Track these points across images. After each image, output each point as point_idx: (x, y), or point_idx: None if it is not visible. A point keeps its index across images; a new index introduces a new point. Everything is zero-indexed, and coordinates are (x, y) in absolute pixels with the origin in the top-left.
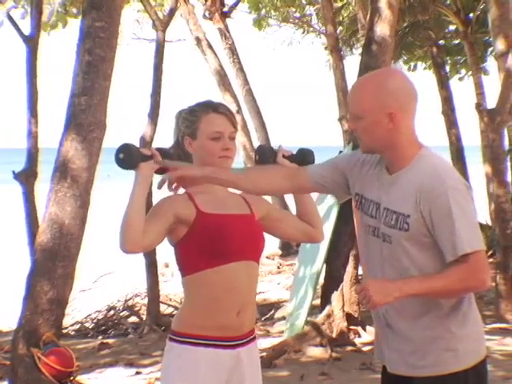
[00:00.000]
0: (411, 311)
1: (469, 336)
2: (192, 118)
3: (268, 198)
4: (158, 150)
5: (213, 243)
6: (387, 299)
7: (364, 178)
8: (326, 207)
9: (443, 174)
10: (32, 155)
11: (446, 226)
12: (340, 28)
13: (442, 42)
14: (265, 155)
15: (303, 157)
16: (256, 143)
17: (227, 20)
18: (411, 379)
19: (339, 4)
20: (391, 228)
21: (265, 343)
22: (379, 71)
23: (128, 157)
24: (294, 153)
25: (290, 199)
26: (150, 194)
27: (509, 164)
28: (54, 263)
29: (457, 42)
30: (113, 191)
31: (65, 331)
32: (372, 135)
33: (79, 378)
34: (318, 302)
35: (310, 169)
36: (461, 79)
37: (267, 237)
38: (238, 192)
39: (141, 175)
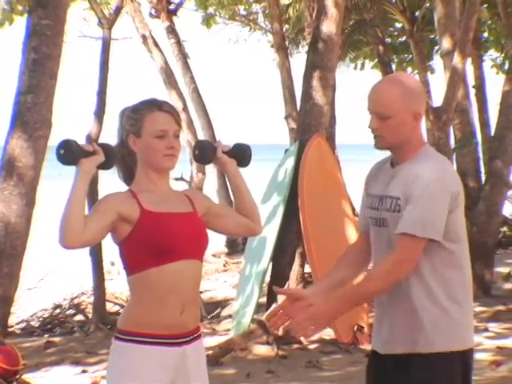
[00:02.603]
0: (413, 301)
1: (467, 321)
2: (136, 116)
3: (214, 195)
4: (101, 145)
5: (157, 242)
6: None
7: (376, 180)
8: (272, 205)
9: (433, 168)
10: None
11: (412, 206)
12: (286, 26)
13: (388, 40)
14: (205, 151)
15: (240, 151)
16: None
17: (174, 18)
18: (409, 357)
19: (286, 2)
20: (387, 211)
21: (211, 341)
22: (400, 74)
23: (68, 152)
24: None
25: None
26: (95, 192)
27: (455, 162)
28: None
29: (403, 40)
30: (64, 190)
31: (10, 330)
32: (397, 133)
33: (25, 376)
34: (264, 300)
35: (360, 223)
36: None
37: (214, 235)
38: (181, 190)
39: (81, 170)
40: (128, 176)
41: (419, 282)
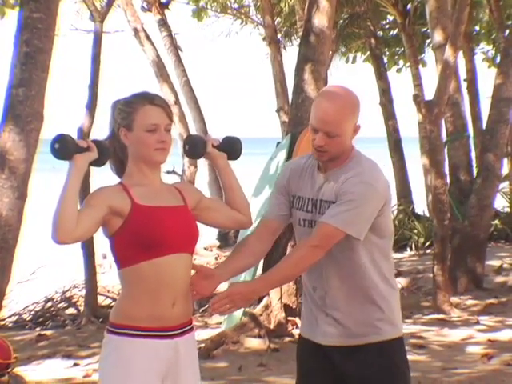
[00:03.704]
0: (345, 302)
1: (396, 314)
2: (128, 109)
3: (205, 189)
4: (95, 141)
5: (148, 236)
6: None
7: (300, 181)
8: (264, 199)
9: (367, 174)
10: None
11: (340, 203)
12: (278, 19)
13: (380, 33)
14: (195, 146)
15: (230, 145)
16: None
17: (166, 11)
18: (359, 347)
19: None
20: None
21: (203, 334)
22: (341, 89)
23: (63, 147)
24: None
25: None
26: (88, 186)
27: (446, 155)
28: None
29: (395, 33)
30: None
31: (2, 323)
32: (341, 147)
33: (17, 369)
34: None
35: (268, 213)
36: (399, 71)
37: (205, 228)
38: (172, 183)
39: (75, 166)
40: (120, 169)
41: (366, 273)
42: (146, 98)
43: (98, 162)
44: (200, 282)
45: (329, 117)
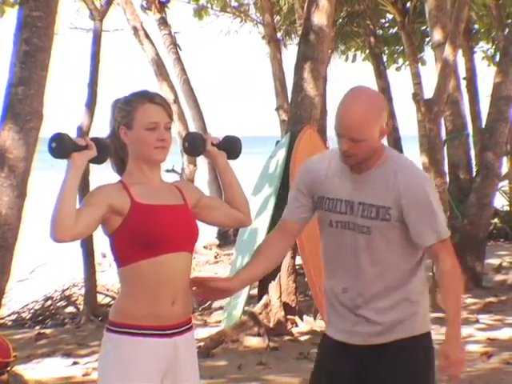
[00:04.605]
0: (381, 302)
1: (427, 308)
2: (128, 108)
3: (205, 187)
4: (94, 139)
5: (147, 234)
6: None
7: (328, 182)
8: (264, 197)
9: (414, 170)
10: None
11: (427, 214)
12: (277, 18)
13: (379, 31)
14: (195, 143)
15: (230, 144)
16: None
17: (166, 10)
18: (385, 346)
19: None
20: (372, 219)
21: (202, 333)
22: (367, 91)
23: (60, 146)
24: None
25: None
26: (87, 184)
27: (446, 154)
28: None
29: (394, 31)
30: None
31: (2, 321)
32: (368, 151)
33: (16, 368)
34: (255, 291)
35: (289, 215)
36: (398, 69)
37: (205, 227)
38: (172, 181)
39: (73, 164)
40: (120, 167)
41: (408, 273)
42: (145, 97)
43: (97, 160)
44: (213, 293)
45: (352, 123)
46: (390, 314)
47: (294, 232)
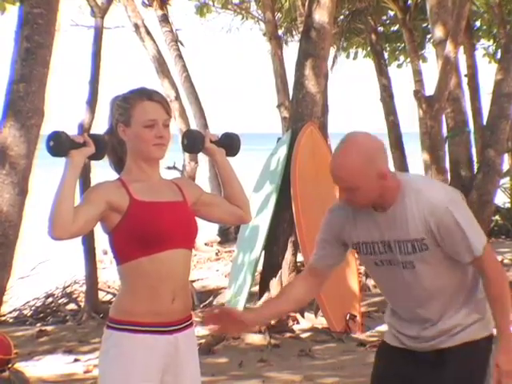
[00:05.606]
0: (442, 311)
1: (489, 313)
2: (126, 105)
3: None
4: (91, 136)
5: (147, 231)
6: None
7: (357, 227)
8: (265, 194)
9: (433, 191)
10: None
11: (458, 236)
12: (279, 15)
13: (380, 28)
14: (194, 140)
15: (229, 141)
16: None
17: (168, 7)
18: (442, 352)
19: None
20: (410, 254)
21: (203, 330)
22: (355, 138)
23: (57, 144)
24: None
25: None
26: (88, 181)
27: (447, 151)
28: None
29: (395, 28)
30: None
31: (3, 319)
32: (370, 196)
33: (17, 365)
34: (256, 288)
35: (316, 263)
36: (399, 66)
37: (206, 224)
38: (171, 178)
39: (71, 162)
40: (118, 165)
41: (467, 281)
42: (143, 94)
43: (96, 156)
44: (227, 325)
45: (341, 174)
46: (450, 321)
47: (320, 279)
